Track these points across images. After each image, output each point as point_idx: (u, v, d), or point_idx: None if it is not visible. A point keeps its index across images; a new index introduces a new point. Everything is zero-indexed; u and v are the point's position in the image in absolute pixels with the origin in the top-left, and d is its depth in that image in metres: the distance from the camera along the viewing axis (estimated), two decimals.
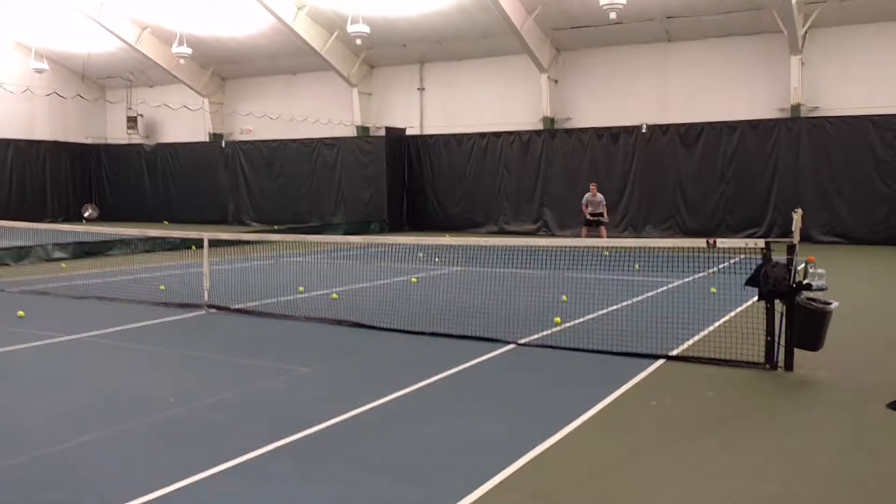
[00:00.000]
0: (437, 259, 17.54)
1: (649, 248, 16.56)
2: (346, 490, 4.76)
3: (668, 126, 24.82)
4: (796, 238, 7.63)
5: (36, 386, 7.31)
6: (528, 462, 5.16)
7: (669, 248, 11.39)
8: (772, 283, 7.43)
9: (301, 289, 12.91)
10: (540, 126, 27.30)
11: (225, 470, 5.03)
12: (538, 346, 8.71)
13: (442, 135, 29.07)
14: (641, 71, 26.08)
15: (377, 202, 29.16)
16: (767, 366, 7.57)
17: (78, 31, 30.69)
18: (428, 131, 29.92)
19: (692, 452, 5.47)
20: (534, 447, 5.39)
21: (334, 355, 8.59)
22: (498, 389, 7.08)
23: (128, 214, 34.77)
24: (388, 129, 29.31)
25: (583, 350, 8.41)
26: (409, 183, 29.63)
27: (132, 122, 35.59)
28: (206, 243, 11.68)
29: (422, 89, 30.37)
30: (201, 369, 7.94)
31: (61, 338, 9.33)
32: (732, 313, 10.32)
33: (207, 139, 34.39)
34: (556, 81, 27.34)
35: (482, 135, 28.02)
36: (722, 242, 8.16)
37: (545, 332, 9.32)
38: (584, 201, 21.23)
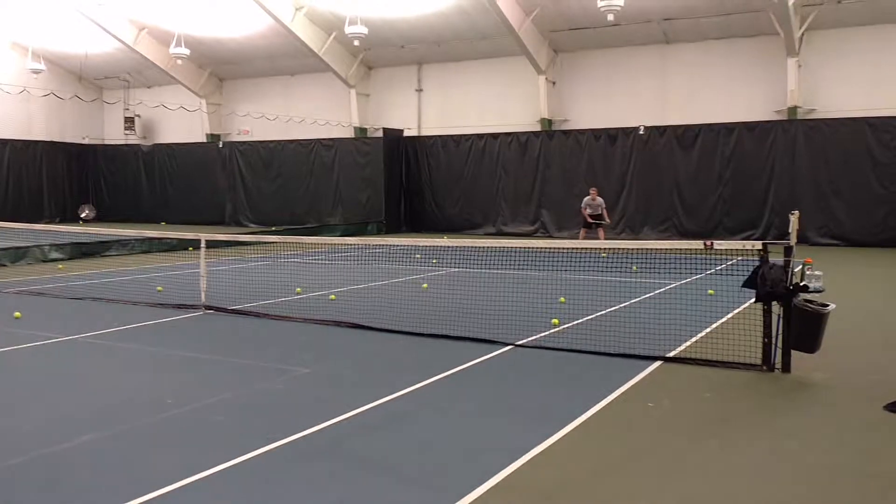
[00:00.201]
0: (434, 260, 17.55)
1: (647, 249, 16.59)
2: (346, 490, 4.77)
3: (665, 128, 24.87)
4: (793, 240, 7.66)
5: (34, 387, 7.30)
6: (527, 462, 5.17)
7: (667, 249, 11.42)
8: (769, 284, 7.45)
9: (299, 290, 12.90)
10: (538, 127, 27.33)
11: (225, 470, 5.03)
12: (536, 347, 8.73)
13: (440, 136, 29.09)
14: (639, 72, 26.13)
15: (375, 203, 29.17)
16: (765, 367, 7.59)
17: (75, 31, 30.67)
18: (426, 132, 29.94)
19: (691, 453, 5.49)
20: (532, 448, 5.40)
21: (333, 356, 8.60)
22: (496, 390, 7.09)
23: (125, 215, 34.76)
24: (385, 130, 29.32)
25: (580, 351, 8.42)
26: (407, 184, 29.65)
27: (129, 122, 35.58)
28: (203, 244, 11.68)
29: (420, 90, 30.39)
30: (200, 370, 7.94)
31: (58, 338, 9.32)
32: (730, 315, 10.33)
33: (205, 140, 34.38)
34: (553, 83, 27.38)
35: (480, 136, 28.05)
36: (719, 244, 8.19)
37: (543, 334, 9.33)
38: (583, 204, 21.25)
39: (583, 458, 5.35)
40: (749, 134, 23.68)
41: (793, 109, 23.41)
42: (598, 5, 20.73)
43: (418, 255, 18.19)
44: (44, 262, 18.07)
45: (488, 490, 4.71)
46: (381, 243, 19.81)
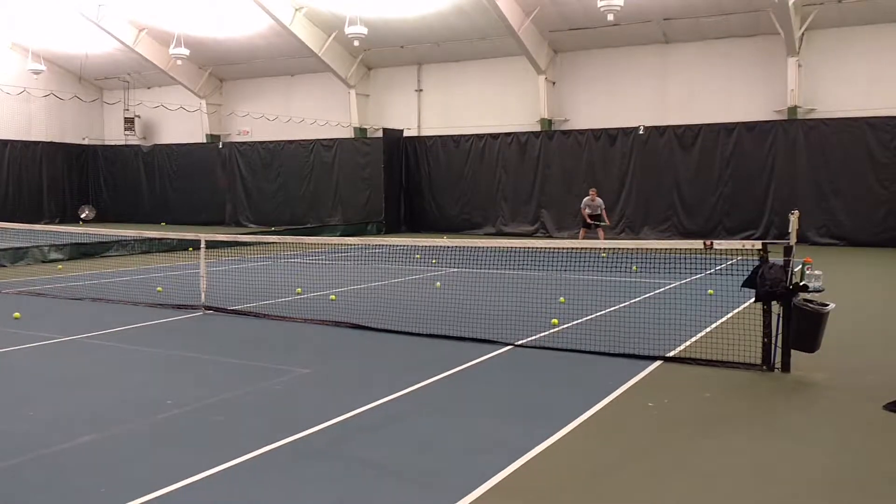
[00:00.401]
0: (434, 260, 17.54)
1: (647, 249, 16.59)
2: (346, 490, 4.77)
3: (665, 127, 24.88)
4: (793, 239, 7.66)
5: (33, 387, 7.29)
6: (526, 462, 5.17)
7: (667, 249, 11.41)
8: (769, 284, 7.45)
9: (299, 290, 12.90)
10: (537, 127, 27.33)
11: (225, 470, 5.03)
12: (535, 347, 8.73)
13: (440, 136, 29.10)
14: (639, 72, 26.13)
15: (375, 203, 29.17)
16: (764, 367, 7.59)
17: (75, 32, 30.68)
18: (425, 133, 29.95)
19: (690, 453, 5.49)
20: (532, 448, 5.40)
21: (333, 356, 8.60)
22: (496, 390, 7.09)
23: (125, 216, 34.78)
24: (385, 130, 29.32)
25: (580, 351, 8.43)
26: (407, 184, 29.65)
27: (129, 123, 35.57)
28: (203, 244, 11.68)
29: (419, 91, 30.40)
30: (200, 370, 7.94)
31: (58, 339, 9.32)
32: (729, 315, 10.33)
33: (205, 140, 34.38)
34: (553, 83, 27.38)
35: (480, 136, 28.06)
36: (719, 244, 8.19)
37: (542, 334, 9.33)
38: (582, 204, 21.23)
39: (583, 458, 5.35)
40: (749, 134, 23.68)
41: (793, 109, 23.41)
42: (598, 5, 20.76)
43: (418, 255, 18.19)
44: (43, 262, 18.07)
45: (488, 490, 4.71)
46: (381, 243, 19.81)
